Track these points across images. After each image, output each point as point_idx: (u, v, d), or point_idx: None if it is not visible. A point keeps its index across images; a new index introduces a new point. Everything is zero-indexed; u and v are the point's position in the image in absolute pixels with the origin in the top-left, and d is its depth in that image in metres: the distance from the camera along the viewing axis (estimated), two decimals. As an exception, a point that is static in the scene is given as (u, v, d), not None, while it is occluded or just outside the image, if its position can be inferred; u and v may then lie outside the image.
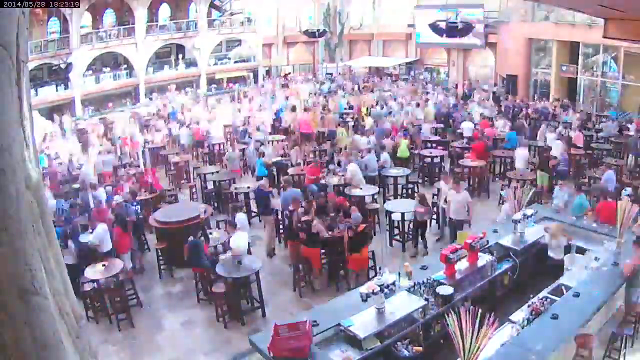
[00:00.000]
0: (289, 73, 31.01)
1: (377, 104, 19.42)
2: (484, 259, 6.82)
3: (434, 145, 14.39)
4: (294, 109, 17.89)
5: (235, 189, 11.38)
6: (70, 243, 8.50)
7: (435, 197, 10.68)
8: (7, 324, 1.51)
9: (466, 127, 14.96)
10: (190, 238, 8.01)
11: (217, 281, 7.64)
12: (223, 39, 29.13)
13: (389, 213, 9.60)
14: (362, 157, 11.67)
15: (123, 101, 25.51)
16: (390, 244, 9.59)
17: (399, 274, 6.33)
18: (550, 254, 7.25)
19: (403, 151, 13.00)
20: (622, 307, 6.48)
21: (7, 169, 1.55)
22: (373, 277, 7.52)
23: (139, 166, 13.71)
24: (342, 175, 10.95)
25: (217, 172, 12.88)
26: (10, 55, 1.66)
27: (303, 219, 8.39)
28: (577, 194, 8.85)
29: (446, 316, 4.51)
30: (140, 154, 14.90)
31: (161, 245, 9.07)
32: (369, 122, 16.19)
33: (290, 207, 8.87)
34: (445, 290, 6.09)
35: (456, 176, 10.40)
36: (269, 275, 7.91)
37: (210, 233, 9.01)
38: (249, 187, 11.16)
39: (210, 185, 12.52)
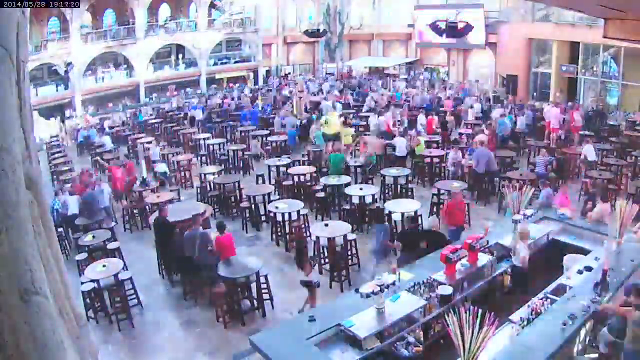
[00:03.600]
0: (289, 73, 31.06)
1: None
2: (484, 259, 6.82)
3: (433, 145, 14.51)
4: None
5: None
6: None
7: (435, 197, 10.69)
8: (7, 324, 1.51)
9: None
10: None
11: (217, 281, 7.63)
12: (223, 39, 29.13)
13: (389, 213, 9.59)
14: None
15: (123, 101, 25.54)
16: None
17: (399, 273, 6.33)
18: (514, 261, 6.90)
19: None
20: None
21: (7, 169, 1.55)
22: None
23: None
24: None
25: (219, 173, 12.92)
26: (10, 55, 1.66)
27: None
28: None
29: (446, 316, 4.51)
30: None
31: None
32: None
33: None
34: (445, 290, 6.09)
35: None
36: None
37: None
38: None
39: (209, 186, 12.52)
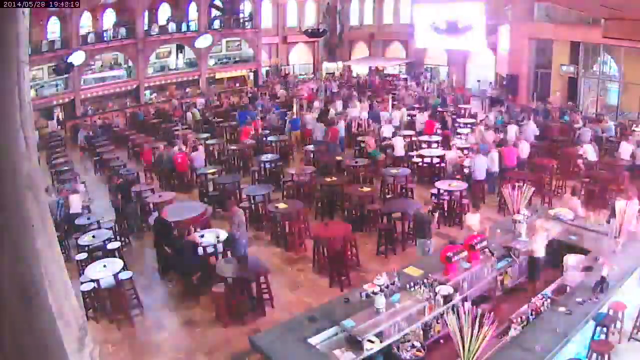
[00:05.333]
0: (289, 73, 31.06)
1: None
2: (484, 259, 6.83)
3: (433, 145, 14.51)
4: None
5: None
6: None
7: (434, 197, 10.68)
8: (7, 324, 1.51)
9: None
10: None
11: (217, 281, 7.63)
12: (223, 39, 29.10)
13: (389, 213, 9.59)
14: None
15: (123, 101, 25.51)
16: (390, 244, 9.58)
17: (399, 274, 6.34)
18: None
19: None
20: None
21: (7, 169, 1.55)
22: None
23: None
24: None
25: (219, 172, 12.92)
26: (10, 55, 1.66)
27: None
28: None
29: (446, 316, 4.51)
30: None
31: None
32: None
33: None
34: (445, 290, 6.10)
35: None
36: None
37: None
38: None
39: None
